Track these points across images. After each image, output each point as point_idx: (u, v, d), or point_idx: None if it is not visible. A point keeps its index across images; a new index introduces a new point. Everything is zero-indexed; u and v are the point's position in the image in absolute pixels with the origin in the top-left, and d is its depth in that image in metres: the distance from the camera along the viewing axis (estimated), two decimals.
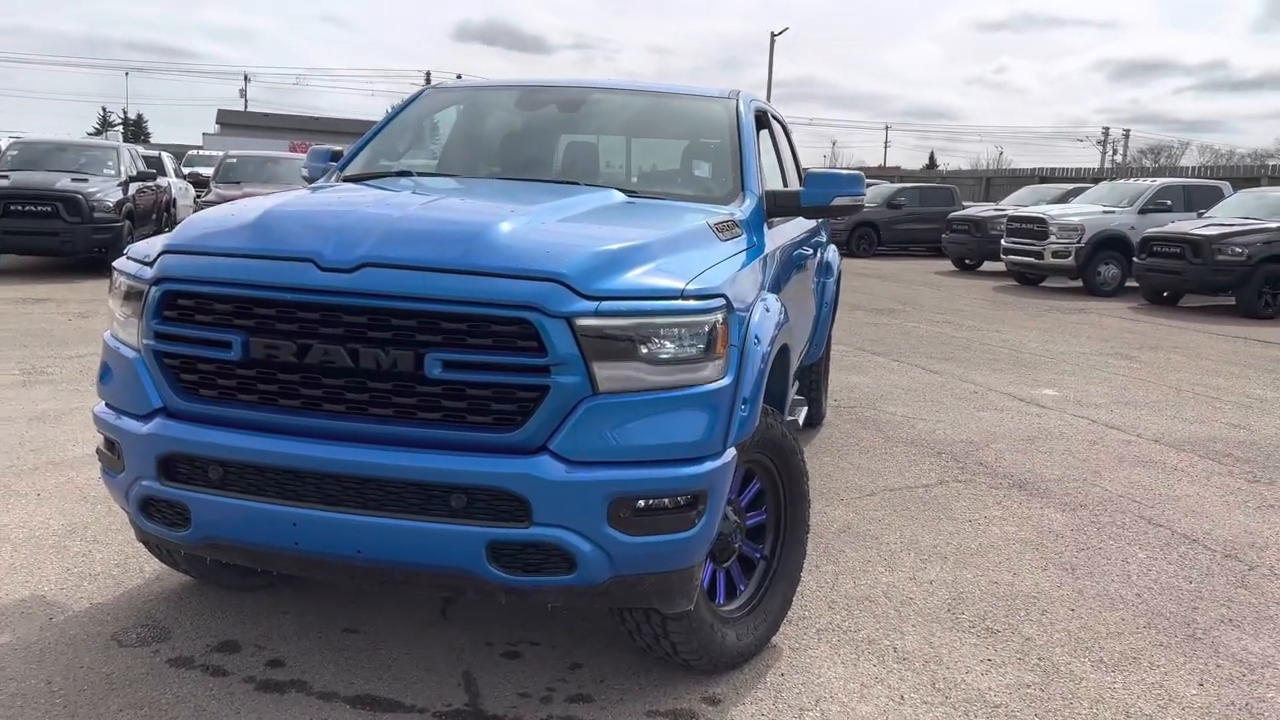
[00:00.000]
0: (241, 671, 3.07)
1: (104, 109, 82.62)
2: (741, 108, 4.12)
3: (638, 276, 2.66)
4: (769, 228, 3.86)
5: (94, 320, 9.48)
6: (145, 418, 2.77)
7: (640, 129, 4.39)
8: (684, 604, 2.84)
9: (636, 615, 2.99)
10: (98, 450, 3.00)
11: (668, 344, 2.63)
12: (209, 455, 2.67)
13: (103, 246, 12.93)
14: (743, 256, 3.19)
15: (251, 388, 2.65)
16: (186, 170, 25.76)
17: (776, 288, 3.65)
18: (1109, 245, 16.59)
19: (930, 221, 23.60)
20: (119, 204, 13.60)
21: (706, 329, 2.69)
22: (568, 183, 3.75)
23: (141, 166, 15.77)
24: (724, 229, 3.25)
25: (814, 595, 3.84)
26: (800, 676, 3.21)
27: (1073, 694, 3.18)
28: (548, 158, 4.11)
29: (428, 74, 59.77)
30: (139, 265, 2.86)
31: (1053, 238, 16.63)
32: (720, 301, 2.74)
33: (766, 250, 3.60)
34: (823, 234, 5.90)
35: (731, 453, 2.81)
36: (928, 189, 26.17)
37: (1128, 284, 16.53)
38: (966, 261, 21.12)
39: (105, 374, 2.97)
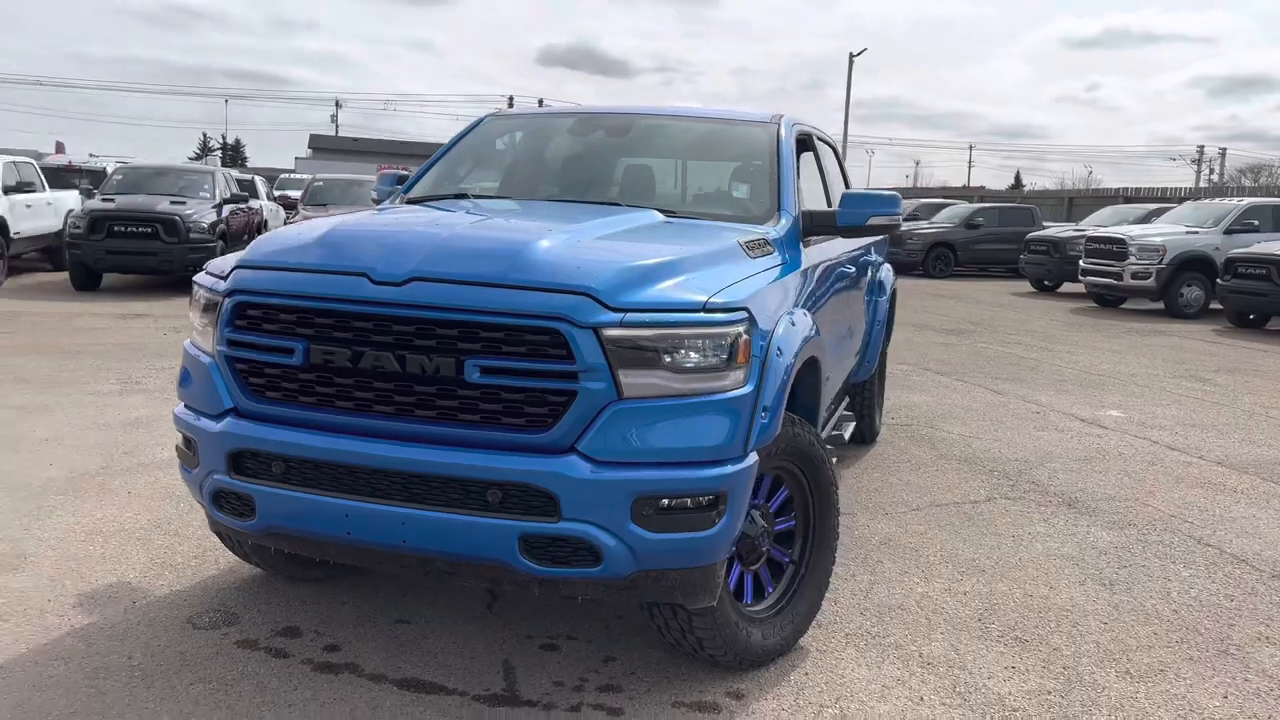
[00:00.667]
0: (301, 654, 3.33)
1: (204, 135, 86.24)
2: (783, 131, 4.30)
3: (662, 291, 2.85)
4: (806, 246, 4.02)
5: (186, 334, 10.00)
6: (218, 417, 3.06)
7: (685, 152, 4.59)
8: (707, 600, 3.01)
9: (664, 611, 3.16)
10: (177, 448, 3.29)
11: (690, 354, 2.82)
12: (272, 451, 2.94)
13: (197, 265, 13.56)
14: (771, 273, 3.36)
15: (311, 390, 2.91)
16: (277, 193, 26.81)
17: (812, 303, 3.81)
18: (1192, 266, 16.21)
19: (1009, 242, 23.30)
20: (213, 225, 14.30)
21: (728, 340, 2.86)
22: (611, 204, 3.97)
23: (235, 190, 16.54)
24: (754, 247, 3.43)
25: (847, 602, 3.96)
26: (824, 676, 3.34)
27: (1093, 701, 3.25)
28: (597, 180, 4.33)
29: (510, 98, 60.93)
30: (215, 279, 3.16)
31: (1132, 258, 16.32)
32: (743, 315, 2.92)
33: (801, 267, 3.77)
34: (874, 253, 6.02)
35: (753, 457, 2.98)
36: (1006, 209, 25.82)
37: (1212, 306, 16.13)
38: (1045, 283, 20.81)
39: (185, 378, 3.27)
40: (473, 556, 2.84)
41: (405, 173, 4.57)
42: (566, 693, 3.15)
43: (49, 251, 16.32)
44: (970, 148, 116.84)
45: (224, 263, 3.23)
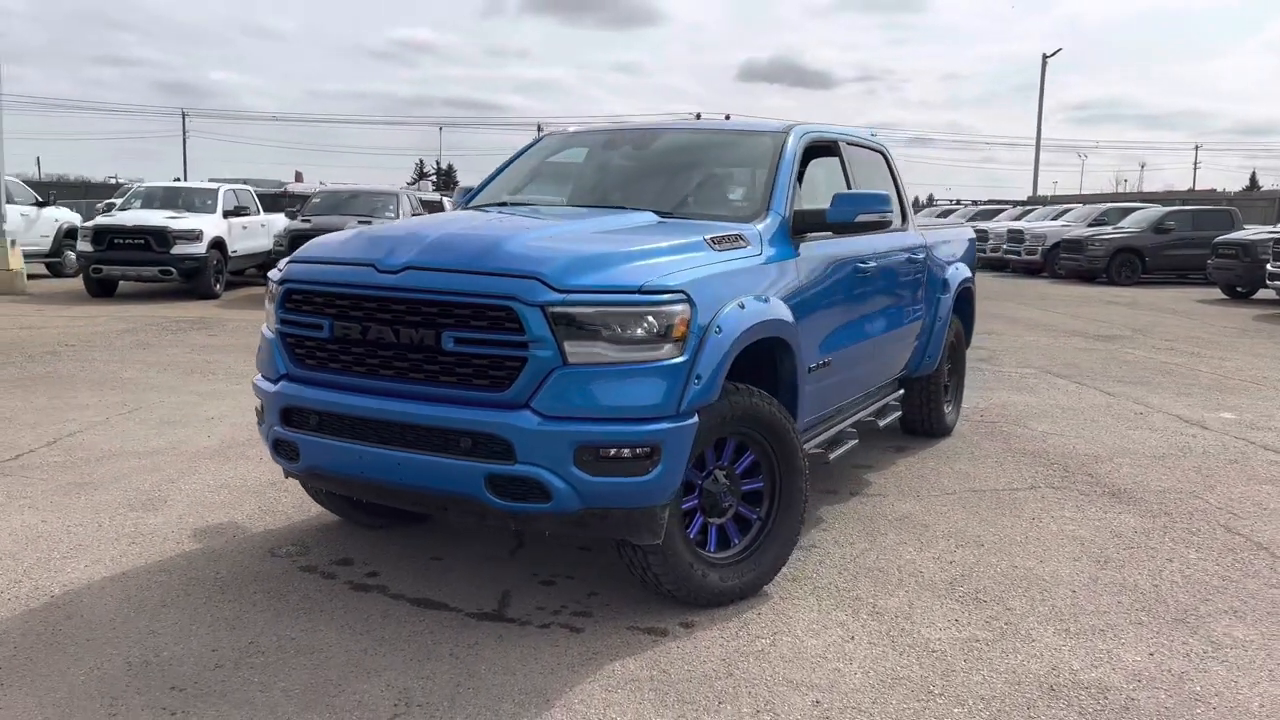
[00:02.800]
0: (346, 577, 4.10)
1: (420, 161, 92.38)
2: (790, 140, 4.76)
3: (606, 275, 3.43)
4: (803, 241, 4.46)
5: None
6: (275, 381, 3.87)
7: (698, 162, 5.11)
8: (651, 539, 3.55)
9: (628, 549, 3.72)
10: (255, 409, 4.14)
11: (627, 328, 3.39)
12: (309, 407, 3.72)
13: None
14: (731, 264, 3.87)
15: (336, 358, 3.68)
16: None
17: (800, 293, 4.26)
18: None
19: (1204, 247, 22.02)
20: None
21: (663, 317, 3.42)
22: (618, 207, 4.57)
23: (419, 209, 18.12)
24: (721, 241, 3.94)
25: (832, 563, 4.38)
26: (774, 616, 3.81)
27: (1014, 650, 3.57)
28: (617, 188, 4.95)
29: (698, 114, 62.00)
30: (277, 273, 3.98)
31: None
32: (679, 297, 3.47)
33: (785, 260, 4.24)
34: (939, 252, 6.30)
35: (692, 419, 3.50)
36: (1202, 212, 24.38)
37: None
38: (1237, 289, 19.61)
39: (260, 353, 4.11)
40: (452, 492, 3.51)
41: (469, 187, 5.33)
42: (545, 615, 3.77)
43: (262, 267, 18.40)
44: (1196, 148, 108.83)
45: (285, 261, 4.05)
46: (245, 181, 22.04)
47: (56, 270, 19.99)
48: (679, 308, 3.46)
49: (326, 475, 3.82)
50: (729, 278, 3.80)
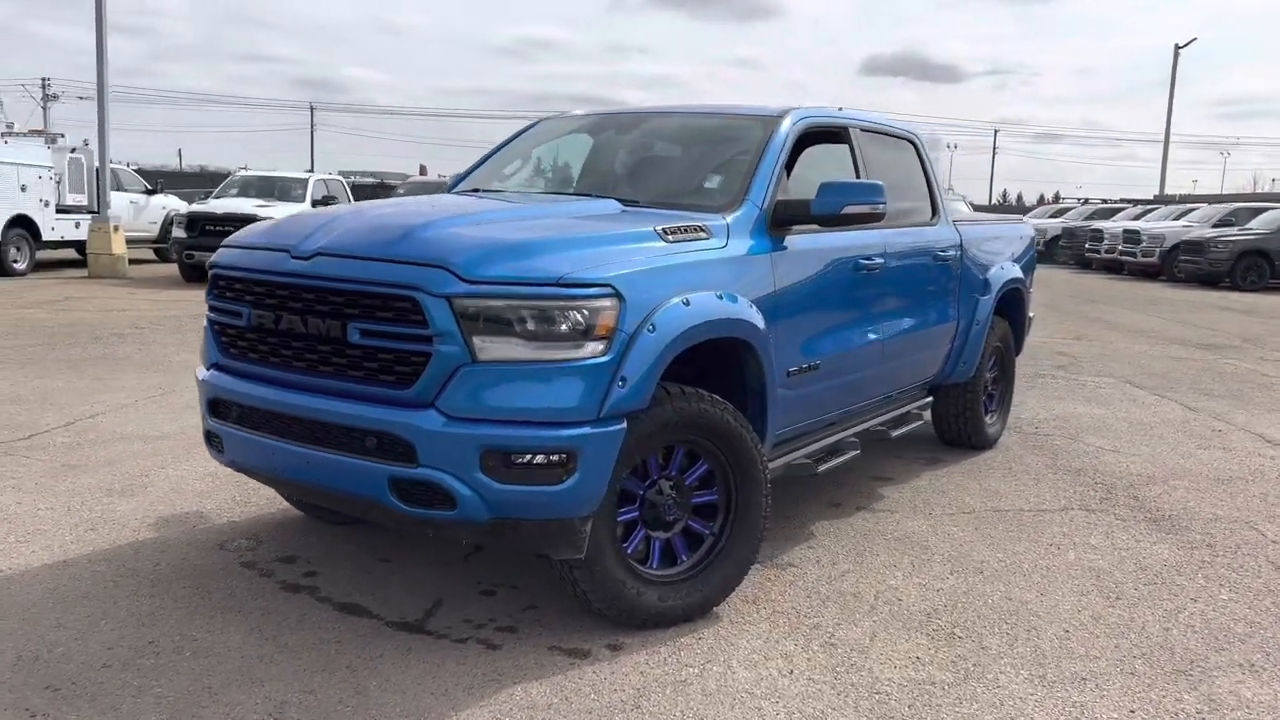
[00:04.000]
0: (282, 576, 3.94)
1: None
2: (784, 125, 4.39)
3: (522, 265, 3.16)
4: (787, 235, 4.10)
5: None
6: (207, 370, 3.74)
7: (679, 147, 4.77)
8: (570, 552, 3.27)
9: (556, 562, 3.45)
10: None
11: (541, 323, 3.11)
12: (229, 399, 3.57)
13: None
14: (682, 257, 3.55)
15: (255, 348, 3.51)
16: None
17: (778, 291, 3.91)
18: None
19: None
20: None
21: (584, 312, 3.13)
22: (583, 195, 4.29)
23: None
24: (676, 233, 3.62)
25: (803, 584, 4.01)
26: (714, 641, 3.48)
27: (972, 697, 3.16)
28: (593, 175, 4.67)
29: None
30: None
31: None
32: (604, 290, 3.17)
33: (753, 255, 3.89)
34: (967, 250, 5.81)
35: (618, 424, 3.21)
36: None
37: None
38: None
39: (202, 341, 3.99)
40: (358, 494, 3.30)
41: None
42: (467, 628, 3.53)
43: None
44: None
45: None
46: (371, 174, 22.65)
47: (164, 255, 20.78)
48: (604, 302, 3.17)
49: (247, 471, 3.67)
50: (675, 272, 3.48)
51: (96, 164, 18.37)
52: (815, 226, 4.21)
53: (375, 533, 4.42)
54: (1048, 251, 30.47)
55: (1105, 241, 26.33)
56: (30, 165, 17.36)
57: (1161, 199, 39.18)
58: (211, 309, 3.67)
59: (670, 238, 3.59)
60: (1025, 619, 3.76)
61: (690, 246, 3.64)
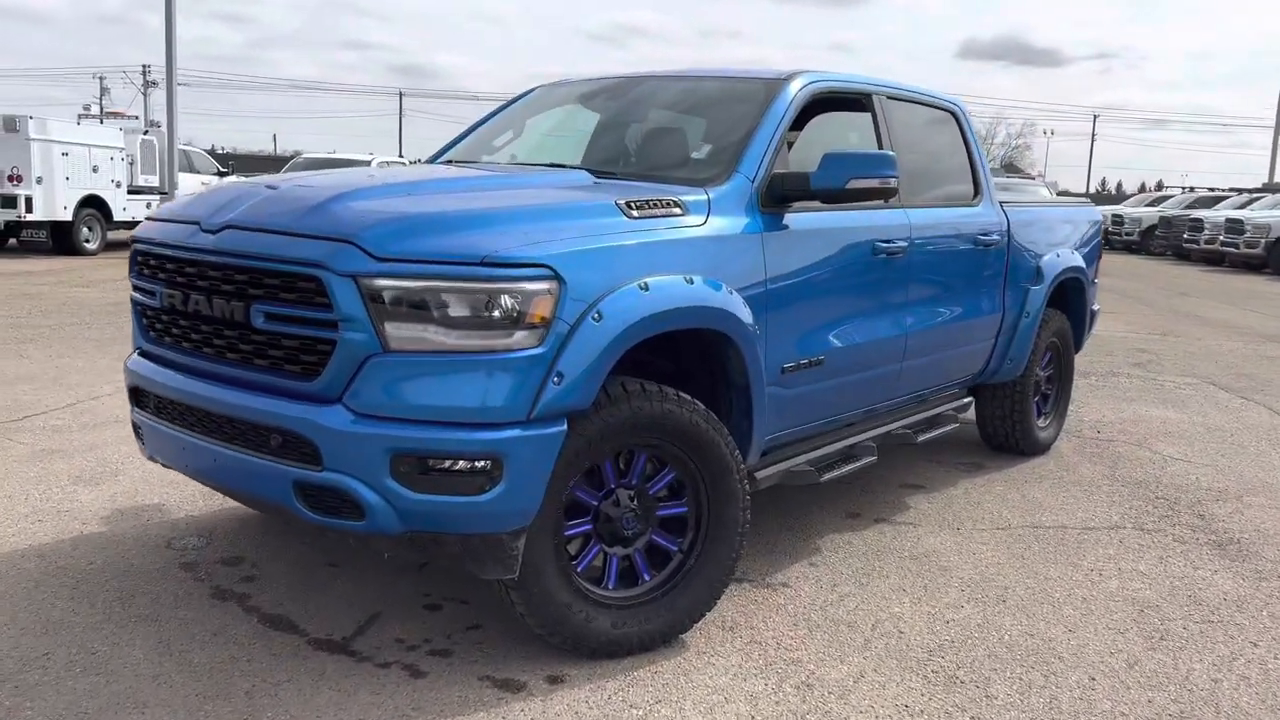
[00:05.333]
0: (218, 580, 3.61)
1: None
2: (789, 89, 3.88)
3: (440, 241, 2.74)
4: (786, 213, 3.61)
5: None
6: (134, 354, 3.42)
7: (671, 114, 4.28)
8: (500, 572, 2.85)
9: (495, 582, 3.04)
10: None
11: (462, 308, 2.69)
12: (144, 386, 3.24)
13: None
14: (646, 235, 3.09)
15: (169, 331, 3.17)
16: None
17: (757, 274, 3.43)
18: None
19: None
20: None
21: (514, 297, 2.70)
22: (557, 166, 3.85)
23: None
24: (640, 207, 3.15)
25: (794, 609, 3.54)
26: (671, 677, 3.03)
27: None
28: (574, 145, 4.22)
29: None
30: None
31: None
32: (540, 272, 2.74)
33: (740, 234, 3.41)
34: (1015, 234, 5.20)
35: (555, 427, 2.78)
36: None
37: None
38: None
39: None
40: (264, 498, 2.94)
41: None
42: (397, 650, 3.14)
43: None
44: None
45: None
46: None
47: None
48: (538, 285, 2.73)
49: (166, 466, 3.34)
50: (633, 252, 3.03)
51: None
52: (820, 204, 3.70)
53: (331, 534, 4.06)
54: (1142, 242, 29.01)
55: (1205, 231, 24.85)
56: (102, 147, 17.61)
57: (1270, 187, 37.04)
58: (134, 288, 3.34)
59: (635, 213, 3.13)
60: (1045, 661, 3.22)
61: (658, 224, 3.17)
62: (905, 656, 3.22)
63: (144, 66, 66.22)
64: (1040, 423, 5.81)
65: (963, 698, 2.98)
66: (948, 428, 4.96)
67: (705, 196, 3.39)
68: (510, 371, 2.71)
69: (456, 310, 2.69)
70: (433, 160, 4.61)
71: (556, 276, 2.76)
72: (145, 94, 64.87)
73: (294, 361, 2.81)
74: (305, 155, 20.47)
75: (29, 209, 16.02)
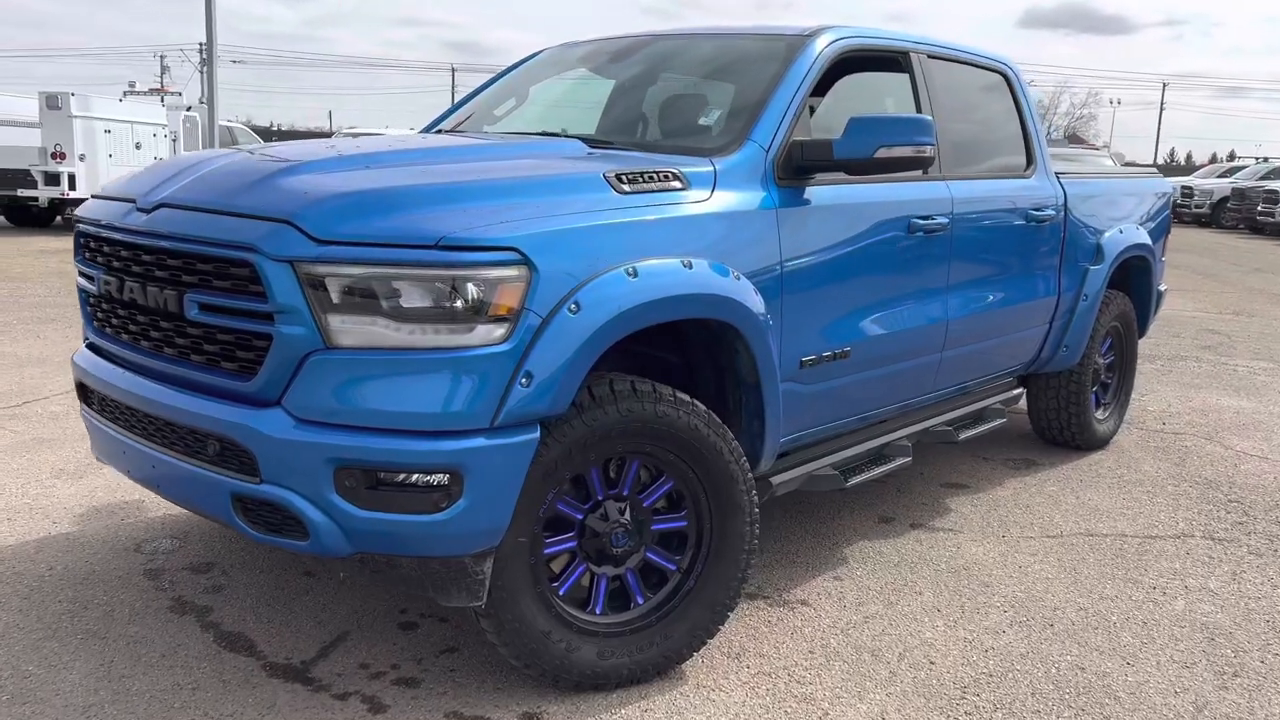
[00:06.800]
0: (179, 591, 3.32)
1: None
2: (814, 46, 3.44)
3: (390, 221, 2.37)
4: (808, 185, 3.19)
5: None
6: (81, 347, 3.12)
7: (684, 76, 3.85)
8: (465, 599, 2.50)
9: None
10: None
11: (416, 298, 2.33)
12: (87, 382, 2.93)
13: None
14: (637, 213, 2.69)
15: (109, 321, 2.85)
16: None
17: (772, 255, 3.02)
18: None
19: None
20: None
21: (476, 284, 2.34)
22: (550, 135, 3.46)
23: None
24: (632, 180, 2.75)
25: (810, 632, 3.15)
26: (662, 715, 2.66)
27: None
28: (575, 111, 3.84)
29: None
30: None
31: None
32: (506, 256, 2.37)
33: (751, 211, 3.00)
34: (1072, 209, 4.69)
35: (527, 435, 2.42)
36: None
37: None
38: None
39: None
40: (205, 511, 2.62)
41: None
42: (359, 677, 2.81)
43: None
44: None
45: None
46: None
47: None
48: (505, 271, 2.36)
49: (111, 467, 3.03)
50: (622, 231, 2.64)
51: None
52: (846, 176, 3.28)
53: None
54: (1213, 215, 27.82)
55: None
56: (146, 124, 17.57)
57: None
58: (79, 273, 3.04)
59: (626, 187, 2.74)
60: (1099, 703, 2.80)
61: (653, 199, 2.77)
62: (934, 693, 2.82)
63: (200, 44, 66.88)
64: (1099, 415, 5.32)
65: None
66: (994, 423, 4.51)
67: (711, 168, 2.98)
68: (470, 372, 2.35)
69: (408, 300, 2.33)
70: (428, 128, 4.24)
71: (526, 261, 2.38)
72: (202, 72, 65.58)
73: (230, 358, 2.48)
74: (348, 130, 20.27)
75: (72, 186, 16.01)
